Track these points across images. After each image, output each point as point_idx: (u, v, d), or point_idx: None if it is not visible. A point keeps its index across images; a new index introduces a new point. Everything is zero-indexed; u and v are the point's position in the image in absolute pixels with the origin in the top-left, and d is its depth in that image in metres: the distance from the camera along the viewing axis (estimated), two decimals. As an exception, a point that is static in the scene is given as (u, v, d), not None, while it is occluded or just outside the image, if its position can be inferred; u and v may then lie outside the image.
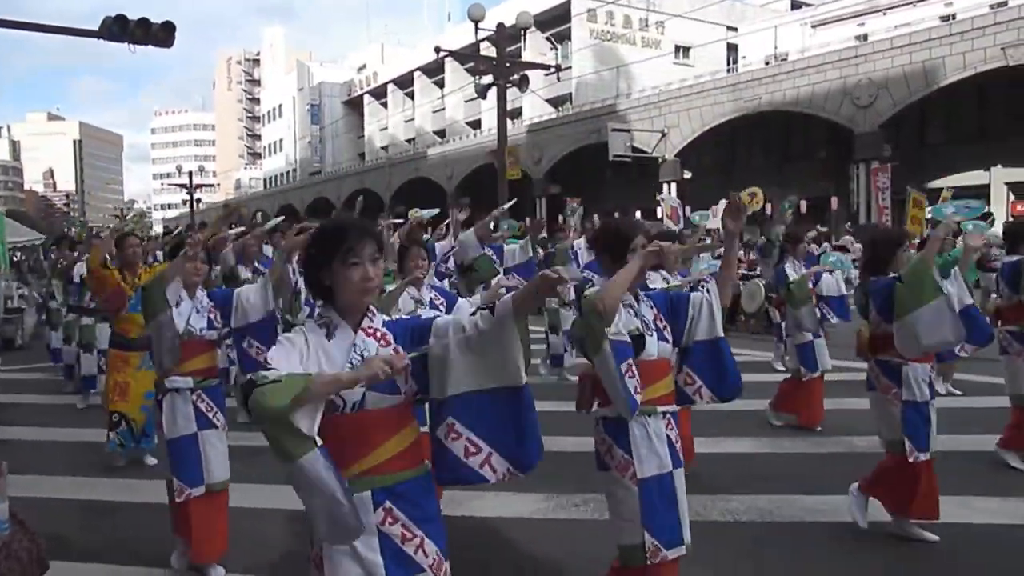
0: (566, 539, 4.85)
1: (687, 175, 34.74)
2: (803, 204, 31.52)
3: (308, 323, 2.53)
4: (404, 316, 2.68)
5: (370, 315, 2.51)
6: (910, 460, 4.57)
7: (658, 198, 19.95)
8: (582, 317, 3.24)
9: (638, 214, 26.34)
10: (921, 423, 4.60)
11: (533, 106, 46.84)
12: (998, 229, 18.35)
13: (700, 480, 5.70)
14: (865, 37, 36.48)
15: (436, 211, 8.76)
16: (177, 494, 4.32)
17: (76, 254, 10.10)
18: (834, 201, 30.07)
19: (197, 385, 4.45)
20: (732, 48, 49.10)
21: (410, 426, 2.49)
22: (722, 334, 3.48)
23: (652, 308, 3.47)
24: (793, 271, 7.65)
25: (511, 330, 2.33)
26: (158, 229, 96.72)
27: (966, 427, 6.94)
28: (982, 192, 29.70)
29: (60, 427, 8.32)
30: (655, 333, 3.40)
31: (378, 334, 2.49)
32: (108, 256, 6.68)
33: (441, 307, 5.38)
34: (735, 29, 49.38)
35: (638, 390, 3.20)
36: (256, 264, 8.54)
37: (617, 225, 3.71)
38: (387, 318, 2.57)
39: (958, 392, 8.68)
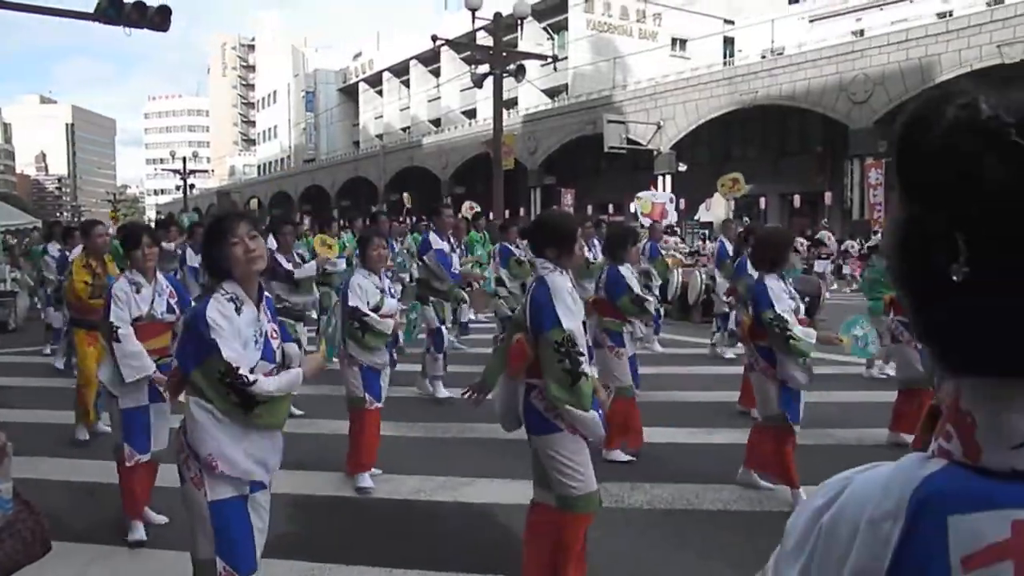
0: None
1: (682, 168, 34.80)
2: (796, 199, 31.72)
3: (219, 296, 3.04)
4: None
5: (263, 293, 3.21)
6: (765, 426, 5.29)
7: (637, 196, 19.97)
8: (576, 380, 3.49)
9: (633, 207, 26.37)
10: (791, 400, 5.14)
11: (529, 96, 46.77)
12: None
13: (694, 470, 5.77)
14: (862, 32, 36.53)
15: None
16: (128, 458, 4.69)
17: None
18: (828, 196, 30.18)
19: (156, 363, 4.78)
20: (729, 41, 49.08)
21: None
22: None
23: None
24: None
25: None
26: (151, 215, 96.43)
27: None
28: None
29: (53, 409, 8.32)
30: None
31: (267, 311, 3.20)
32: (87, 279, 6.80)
33: (395, 297, 6.00)
34: (732, 22, 49.32)
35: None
36: None
37: (555, 219, 4.03)
38: (266, 293, 3.28)
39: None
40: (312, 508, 5.20)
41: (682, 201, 32.10)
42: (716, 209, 30.75)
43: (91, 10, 13.66)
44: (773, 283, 5.14)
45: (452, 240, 9.10)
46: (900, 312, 6.61)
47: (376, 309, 5.52)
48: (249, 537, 3.10)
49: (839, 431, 6.94)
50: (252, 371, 3.00)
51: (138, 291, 4.83)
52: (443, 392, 8.33)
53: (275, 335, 3.17)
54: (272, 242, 8.47)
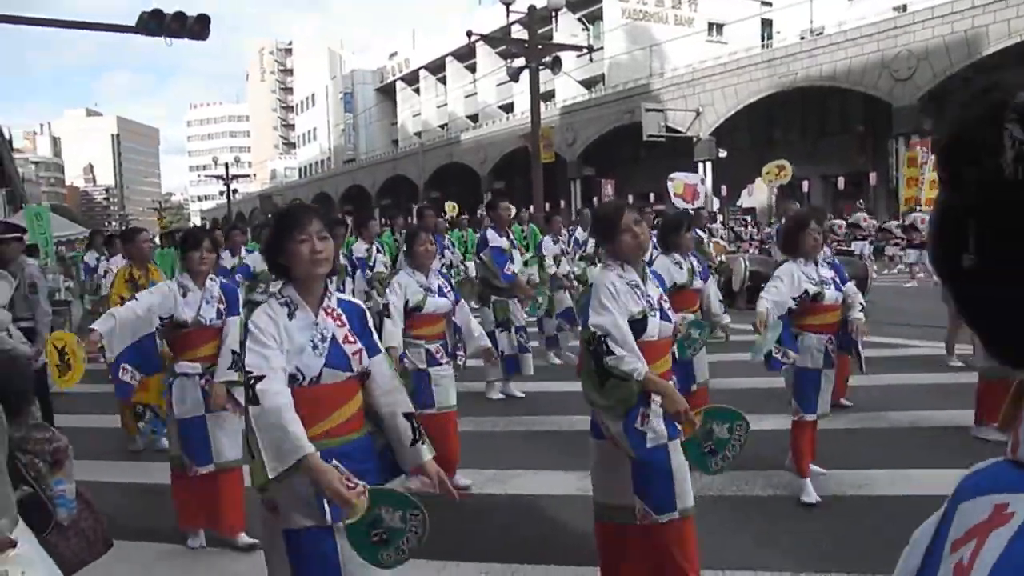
0: (577, 514, 4.88)
1: (722, 154, 34.44)
2: (840, 180, 31.20)
3: (273, 301, 2.77)
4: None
5: (329, 295, 2.82)
6: (794, 419, 5.11)
7: (670, 178, 19.69)
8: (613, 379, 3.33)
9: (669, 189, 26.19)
10: (811, 388, 5.05)
11: (566, 88, 46.66)
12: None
13: (745, 456, 5.72)
14: (904, 8, 35.75)
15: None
16: (187, 469, 4.60)
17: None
18: (873, 177, 29.64)
19: (205, 371, 4.64)
20: (766, 23, 48.48)
21: (357, 396, 2.79)
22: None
23: (658, 287, 3.62)
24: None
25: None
26: (196, 221, 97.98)
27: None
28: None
29: (107, 414, 8.52)
30: (658, 313, 3.49)
31: (335, 314, 2.80)
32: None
33: (448, 295, 5.57)
34: (769, 4, 48.70)
35: None
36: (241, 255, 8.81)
37: (604, 209, 3.96)
38: (343, 297, 2.94)
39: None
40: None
41: (723, 187, 31.80)
42: (758, 195, 30.37)
43: (133, 23, 13.93)
44: (791, 267, 5.02)
45: (511, 237, 8.58)
46: None
47: (418, 308, 5.38)
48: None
49: (892, 414, 6.84)
50: (317, 380, 2.67)
51: (184, 294, 4.65)
52: (495, 394, 8.27)
53: (351, 339, 2.77)
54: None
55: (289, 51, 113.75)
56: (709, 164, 34.55)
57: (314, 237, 2.69)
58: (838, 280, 5.13)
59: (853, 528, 4.59)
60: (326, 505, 2.56)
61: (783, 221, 10.21)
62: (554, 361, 10.04)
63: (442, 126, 66.06)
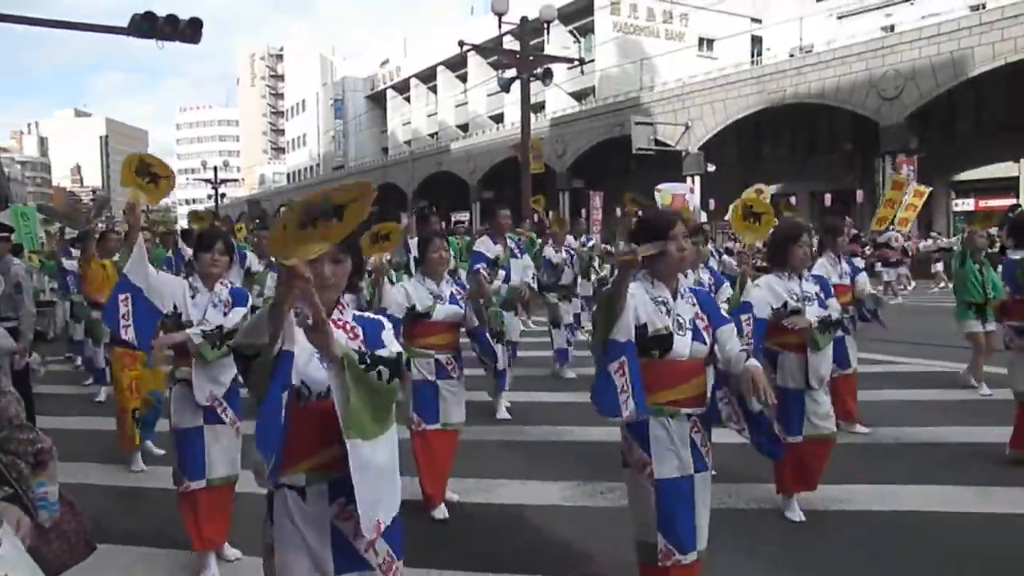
0: (591, 525, 4.91)
1: (711, 168, 34.61)
2: (828, 197, 31.38)
3: (290, 316, 2.42)
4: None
5: (340, 308, 2.55)
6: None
7: (657, 189, 19.60)
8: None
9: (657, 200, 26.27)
10: (795, 409, 4.84)
11: (556, 99, 46.78)
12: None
13: (727, 470, 5.74)
14: (892, 28, 36.11)
15: None
16: (178, 484, 4.36)
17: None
18: (859, 194, 29.84)
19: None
20: (756, 40, 48.77)
21: None
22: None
23: (694, 305, 3.38)
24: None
25: None
26: (183, 224, 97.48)
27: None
28: (1012, 184, 29.40)
29: (91, 416, 8.49)
30: (690, 332, 3.30)
31: (347, 327, 2.52)
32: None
33: (461, 303, 5.31)
34: (759, 21, 49.01)
35: (625, 390, 3.10)
36: (272, 259, 8.65)
37: (652, 215, 3.64)
38: (359, 314, 2.64)
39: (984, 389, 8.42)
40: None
41: (711, 201, 31.93)
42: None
43: (124, 24, 13.90)
44: (771, 280, 4.86)
45: (513, 245, 8.11)
46: (1014, 317, 6.02)
47: (426, 315, 5.13)
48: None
49: (880, 430, 6.87)
50: (324, 395, 2.36)
51: (193, 296, 4.41)
52: (502, 413, 7.96)
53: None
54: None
55: (280, 56, 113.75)
56: (698, 178, 34.69)
57: (325, 260, 2.38)
58: (822, 295, 4.95)
59: (835, 542, 4.61)
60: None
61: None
62: (568, 375, 9.88)
63: (432, 135, 66.12)
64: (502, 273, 7.57)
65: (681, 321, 3.28)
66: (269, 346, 2.23)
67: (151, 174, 4.79)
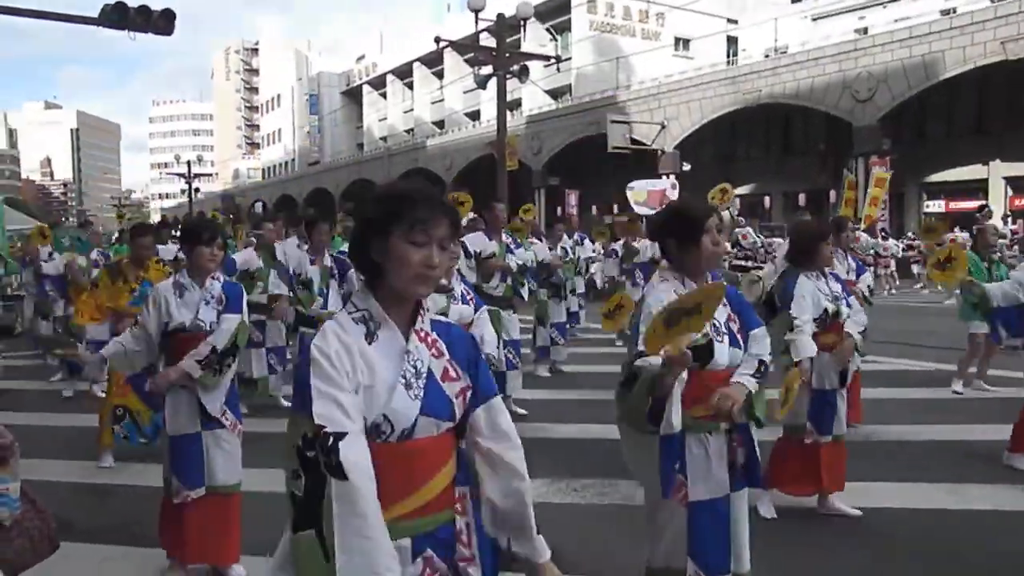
0: (565, 522, 4.89)
1: (687, 167, 34.75)
2: (802, 197, 31.65)
3: (341, 316, 1.91)
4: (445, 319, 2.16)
5: (422, 313, 1.96)
6: (807, 441, 4.82)
7: (629, 187, 19.61)
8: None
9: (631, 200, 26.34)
10: (829, 410, 4.83)
11: (533, 97, 46.80)
12: (997, 222, 18.36)
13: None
14: (865, 30, 36.49)
15: None
16: (175, 495, 4.02)
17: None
18: (832, 194, 30.10)
19: None
20: (732, 41, 49.06)
21: (454, 456, 1.98)
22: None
23: (726, 307, 2.99)
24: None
25: None
26: (156, 219, 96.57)
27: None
28: (981, 186, 29.80)
29: (57, 412, 8.38)
30: (727, 337, 2.95)
31: (429, 339, 1.95)
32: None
33: (471, 303, 5.20)
34: (735, 21, 49.32)
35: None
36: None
37: (685, 205, 3.28)
38: (436, 318, 2.04)
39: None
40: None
41: (677, 190, 32.09)
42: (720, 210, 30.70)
43: (95, 15, 13.70)
44: (810, 285, 4.74)
45: (509, 241, 7.88)
46: None
47: (442, 315, 4.83)
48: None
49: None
50: (410, 432, 1.84)
51: (181, 295, 4.08)
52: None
53: (454, 374, 1.95)
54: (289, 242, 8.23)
55: (255, 51, 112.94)
56: (674, 177, 34.83)
57: (434, 243, 1.85)
58: (845, 293, 4.98)
59: (808, 539, 4.63)
60: None
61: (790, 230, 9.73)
62: (543, 374, 9.95)
63: (408, 131, 65.93)
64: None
65: (717, 325, 2.92)
66: None
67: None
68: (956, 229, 23.13)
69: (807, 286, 4.72)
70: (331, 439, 1.69)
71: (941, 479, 5.52)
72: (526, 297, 9.21)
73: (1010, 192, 29.89)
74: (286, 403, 7.97)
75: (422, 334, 1.93)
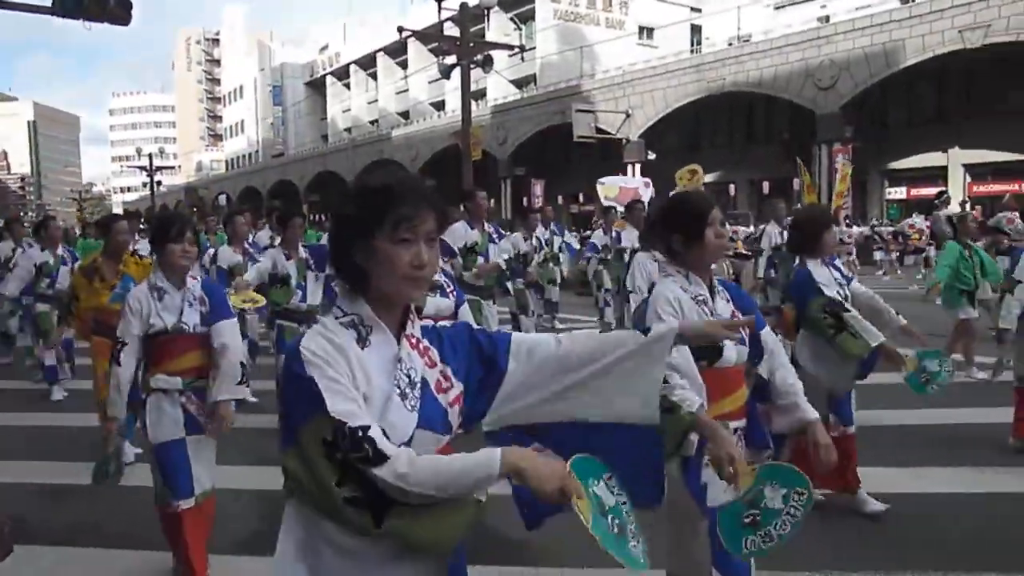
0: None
1: (651, 156, 34.89)
2: (765, 185, 31.90)
3: (329, 321, 1.74)
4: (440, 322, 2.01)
5: (412, 318, 1.81)
6: (834, 435, 4.56)
7: (600, 182, 19.58)
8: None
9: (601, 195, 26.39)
10: (847, 398, 4.71)
11: (497, 87, 46.70)
12: (955, 209, 18.64)
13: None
14: (827, 19, 36.81)
15: None
16: (162, 505, 3.87)
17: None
18: (796, 182, 30.37)
19: (187, 386, 3.87)
20: (696, 29, 49.31)
21: None
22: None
23: (729, 303, 2.94)
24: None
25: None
26: (118, 212, 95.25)
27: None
28: (941, 174, 30.26)
29: (16, 411, 8.22)
30: None
31: (421, 347, 1.80)
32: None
33: (451, 295, 5.08)
34: (699, 10, 49.58)
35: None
36: (246, 245, 8.40)
37: (687, 198, 3.10)
38: (424, 323, 1.89)
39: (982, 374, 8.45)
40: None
41: (651, 189, 32.21)
42: (686, 197, 30.90)
43: (48, 3, 13.38)
44: (817, 269, 4.62)
45: (492, 230, 7.64)
46: None
47: (416, 310, 4.73)
48: None
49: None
50: (407, 447, 1.65)
51: (160, 298, 3.84)
52: None
53: (447, 383, 1.81)
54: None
55: (217, 41, 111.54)
56: (639, 166, 34.95)
57: (422, 240, 1.70)
58: (846, 279, 4.86)
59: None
60: None
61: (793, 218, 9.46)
62: None
63: (373, 122, 65.54)
64: (479, 259, 7.21)
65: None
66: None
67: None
68: (914, 215, 23.57)
69: (823, 273, 4.61)
70: (359, 432, 1.54)
71: (905, 463, 5.59)
72: (511, 290, 9.15)
73: (968, 179, 30.38)
74: (253, 399, 7.86)
75: (413, 340, 1.79)
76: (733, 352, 2.84)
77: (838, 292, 4.59)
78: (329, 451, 1.54)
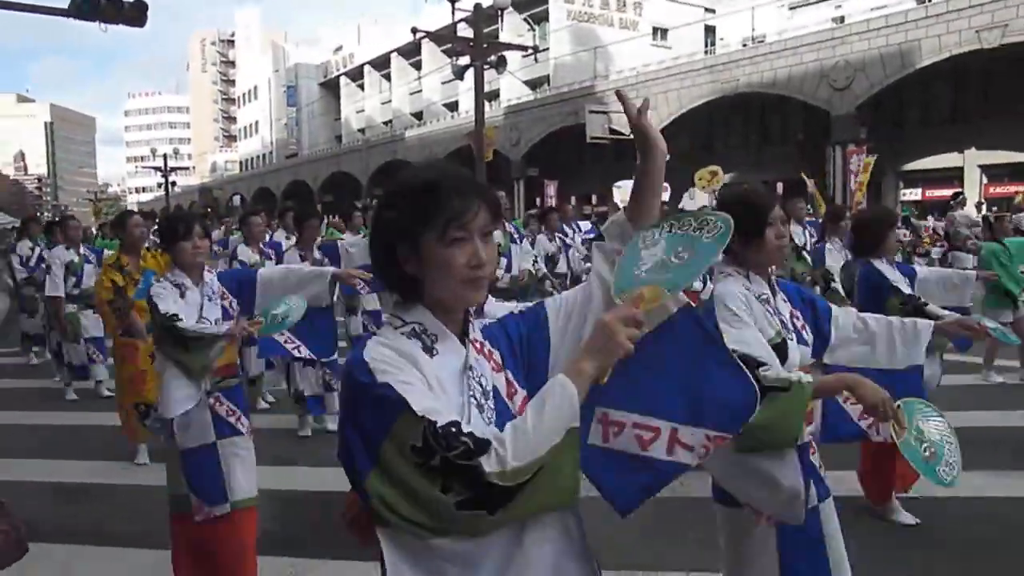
0: None
1: (665, 157, 34.85)
2: (780, 185, 31.73)
3: (388, 331, 1.58)
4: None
5: (472, 321, 1.65)
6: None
7: (616, 185, 19.50)
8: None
9: (616, 198, 26.35)
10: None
11: (511, 88, 46.67)
12: (971, 210, 18.49)
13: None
14: (842, 19, 36.63)
15: None
16: (195, 512, 3.63)
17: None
18: (810, 183, 30.22)
19: (214, 387, 3.69)
20: (710, 30, 49.15)
21: None
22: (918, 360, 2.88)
23: (786, 301, 2.78)
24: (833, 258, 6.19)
25: None
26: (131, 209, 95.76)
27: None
28: (956, 175, 30.04)
29: (29, 411, 8.28)
30: (795, 334, 2.70)
31: (486, 351, 1.63)
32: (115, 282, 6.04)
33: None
34: (713, 11, 49.40)
35: None
36: (261, 246, 8.41)
37: (747, 195, 2.84)
38: (483, 321, 1.73)
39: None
40: (295, 504, 5.16)
41: (668, 191, 32.18)
42: (699, 199, 30.76)
43: (66, 6, 13.49)
44: (885, 268, 4.54)
45: (513, 231, 7.57)
46: None
47: None
48: None
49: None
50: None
51: (182, 295, 3.72)
52: None
53: (512, 388, 1.64)
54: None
55: (231, 42, 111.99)
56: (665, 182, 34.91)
57: (476, 236, 1.52)
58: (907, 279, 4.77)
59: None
60: None
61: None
62: None
63: (386, 123, 65.60)
64: (503, 261, 7.07)
65: (784, 321, 2.68)
66: None
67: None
68: (930, 218, 23.41)
69: (891, 272, 4.51)
70: (451, 427, 1.37)
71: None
72: (555, 288, 8.95)
73: (985, 180, 30.15)
74: (265, 404, 7.89)
75: (478, 345, 1.61)
76: (796, 354, 2.66)
77: (906, 290, 4.55)
78: (422, 458, 1.36)
